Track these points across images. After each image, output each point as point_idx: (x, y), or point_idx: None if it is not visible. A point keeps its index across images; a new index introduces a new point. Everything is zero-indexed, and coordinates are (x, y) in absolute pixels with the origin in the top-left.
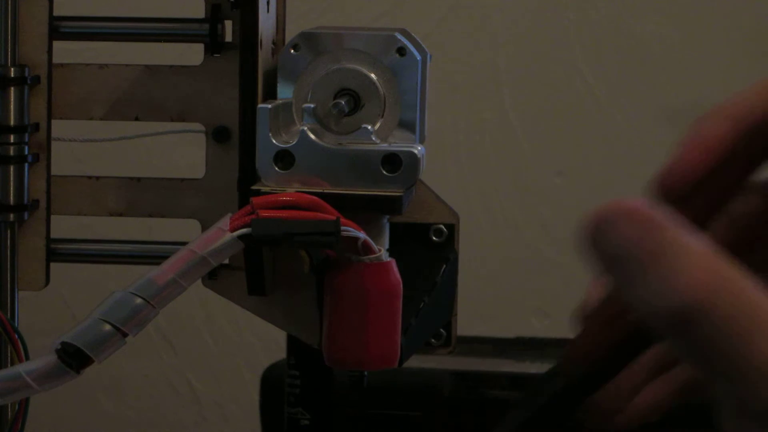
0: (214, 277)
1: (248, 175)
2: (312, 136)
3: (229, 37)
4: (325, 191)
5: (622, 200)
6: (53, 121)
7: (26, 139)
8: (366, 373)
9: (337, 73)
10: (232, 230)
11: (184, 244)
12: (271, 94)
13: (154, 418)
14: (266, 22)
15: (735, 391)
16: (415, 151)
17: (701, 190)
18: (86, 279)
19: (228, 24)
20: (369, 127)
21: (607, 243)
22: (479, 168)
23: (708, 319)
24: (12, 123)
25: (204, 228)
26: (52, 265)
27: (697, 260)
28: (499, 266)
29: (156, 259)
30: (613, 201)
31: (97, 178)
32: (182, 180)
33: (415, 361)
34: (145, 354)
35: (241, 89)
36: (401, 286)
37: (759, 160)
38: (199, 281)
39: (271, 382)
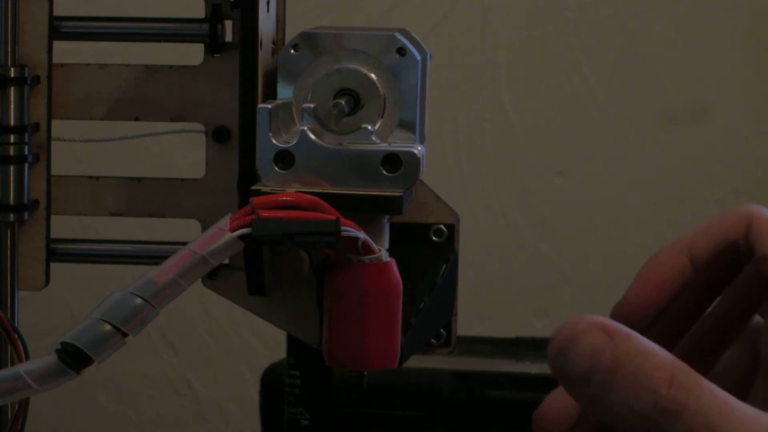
0: (214, 277)
1: (248, 175)
2: (312, 136)
3: (229, 37)
4: (325, 191)
5: (576, 319)
6: (53, 121)
7: (26, 139)
8: (366, 373)
9: (337, 73)
10: (232, 230)
11: (184, 244)
12: (271, 94)
13: (154, 418)
14: (266, 22)
15: None
16: (415, 151)
17: (662, 319)
18: (86, 279)
19: (228, 24)
20: (369, 127)
21: (568, 365)
22: (479, 168)
23: (681, 418)
24: (12, 123)
25: (204, 228)
26: (52, 265)
27: (659, 362)
28: (499, 266)
29: (156, 259)
30: (569, 321)
31: (97, 178)
32: (182, 180)
33: (415, 361)
34: (145, 354)
35: (241, 89)
36: (401, 286)
37: (718, 289)
38: (199, 281)
39: (271, 382)
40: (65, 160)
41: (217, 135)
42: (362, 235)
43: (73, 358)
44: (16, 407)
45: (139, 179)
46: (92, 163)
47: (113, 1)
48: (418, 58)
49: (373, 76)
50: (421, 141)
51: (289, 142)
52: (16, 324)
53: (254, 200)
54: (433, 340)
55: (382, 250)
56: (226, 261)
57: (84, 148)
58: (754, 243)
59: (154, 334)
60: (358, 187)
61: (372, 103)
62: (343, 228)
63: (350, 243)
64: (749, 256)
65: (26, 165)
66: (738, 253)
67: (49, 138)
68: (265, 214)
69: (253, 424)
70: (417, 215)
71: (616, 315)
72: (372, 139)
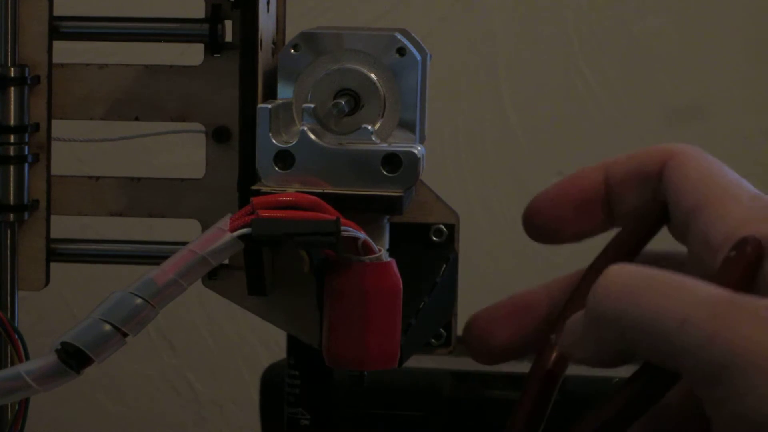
0: (214, 277)
1: (248, 175)
2: (312, 136)
3: (229, 37)
4: (325, 191)
5: None
6: (53, 121)
7: (26, 139)
8: (366, 373)
9: (337, 73)
10: (232, 230)
11: (184, 244)
12: (271, 94)
13: (154, 418)
14: (266, 22)
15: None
16: (415, 151)
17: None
18: (86, 279)
19: (228, 24)
20: (369, 127)
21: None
22: (479, 168)
23: (632, 306)
24: (12, 123)
25: (204, 228)
26: (52, 265)
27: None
28: (499, 266)
29: (156, 259)
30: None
31: (97, 178)
32: (182, 180)
33: (415, 361)
34: (145, 354)
35: (241, 89)
36: (401, 286)
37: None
38: (199, 281)
39: (271, 382)
40: (65, 160)
41: (217, 135)
42: (362, 235)
43: (73, 358)
44: (16, 407)
45: (139, 179)
46: (92, 163)
47: (113, 1)
48: (418, 58)
49: (373, 76)
50: (421, 141)
51: (289, 142)
52: (16, 324)
53: (254, 200)
54: (433, 340)
55: (382, 250)
56: (226, 261)
57: (84, 148)
58: (664, 181)
59: (154, 334)
60: (358, 187)
61: (372, 103)
62: (343, 228)
63: (350, 243)
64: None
65: (26, 165)
66: (665, 210)
67: (49, 138)
68: (265, 214)
69: (253, 424)
70: (417, 215)
71: (526, 213)
72: (372, 139)
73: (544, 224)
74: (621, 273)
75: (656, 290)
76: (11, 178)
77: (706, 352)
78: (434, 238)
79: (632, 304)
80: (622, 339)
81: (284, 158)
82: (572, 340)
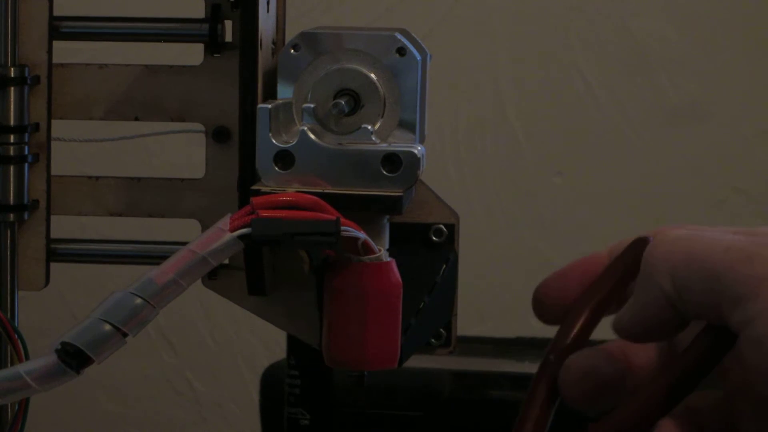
0: (214, 277)
1: (248, 175)
2: (312, 136)
3: (229, 37)
4: (325, 191)
5: None
6: (53, 121)
7: (26, 139)
8: (366, 373)
9: (337, 73)
10: (232, 230)
11: (184, 244)
12: (271, 94)
13: (154, 418)
14: (266, 22)
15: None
16: (415, 151)
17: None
18: (86, 279)
19: (228, 24)
20: (369, 127)
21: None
22: (479, 168)
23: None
24: (12, 123)
25: (204, 228)
26: (52, 265)
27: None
28: (499, 266)
29: (156, 259)
30: None
31: (97, 178)
32: (182, 180)
33: (415, 361)
34: (145, 354)
35: (241, 89)
36: (401, 286)
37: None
38: (199, 281)
39: (271, 382)
40: (65, 160)
41: (217, 135)
42: (362, 235)
43: (73, 358)
44: (16, 407)
45: (139, 179)
46: (92, 163)
47: (113, 1)
48: (418, 58)
49: (373, 76)
50: (421, 141)
51: (289, 142)
52: (16, 324)
53: (254, 200)
54: (433, 340)
55: (382, 250)
56: (226, 261)
57: (84, 148)
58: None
59: (154, 334)
60: (358, 187)
61: (372, 103)
62: (343, 228)
63: (350, 243)
64: None
65: (26, 165)
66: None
67: (49, 138)
68: (265, 214)
69: (253, 424)
70: (417, 215)
71: (536, 297)
72: (372, 139)
73: (551, 300)
74: (671, 231)
75: (703, 235)
76: (11, 178)
77: (746, 267)
78: (434, 238)
79: (684, 246)
80: (672, 284)
81: (284, 158)
82: (623, 311)
